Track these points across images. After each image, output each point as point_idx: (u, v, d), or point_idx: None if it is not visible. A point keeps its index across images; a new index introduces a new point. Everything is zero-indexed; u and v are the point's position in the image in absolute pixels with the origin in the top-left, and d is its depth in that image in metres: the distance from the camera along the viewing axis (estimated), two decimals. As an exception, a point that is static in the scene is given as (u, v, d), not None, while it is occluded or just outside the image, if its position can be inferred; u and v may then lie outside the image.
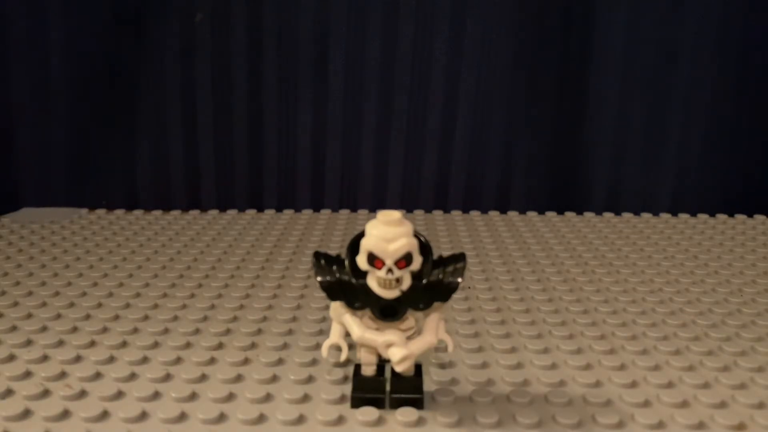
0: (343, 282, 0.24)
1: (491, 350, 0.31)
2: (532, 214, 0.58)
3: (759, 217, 0.58)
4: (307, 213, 0.57)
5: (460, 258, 0.25)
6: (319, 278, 0.24)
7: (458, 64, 0.59)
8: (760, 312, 0.37)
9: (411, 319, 0.25)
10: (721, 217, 0.58)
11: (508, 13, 0.59)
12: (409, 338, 0.25)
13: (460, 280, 0.24)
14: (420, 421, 0.25)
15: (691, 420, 0.25)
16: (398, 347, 0.24)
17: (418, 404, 0.25)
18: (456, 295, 0.38)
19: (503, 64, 0.59)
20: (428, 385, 0.27)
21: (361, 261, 0.23)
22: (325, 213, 0.58)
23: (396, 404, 0.25)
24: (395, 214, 0.23)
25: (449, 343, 0.26)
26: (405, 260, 0.23)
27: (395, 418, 0.25)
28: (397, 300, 0.24)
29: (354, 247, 0.24)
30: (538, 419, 0.25)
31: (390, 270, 0.23)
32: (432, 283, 0.24)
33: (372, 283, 0.24)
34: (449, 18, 0.58)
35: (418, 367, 0.26)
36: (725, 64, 0.60)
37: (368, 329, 0.25)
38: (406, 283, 0.23)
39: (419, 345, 0.25)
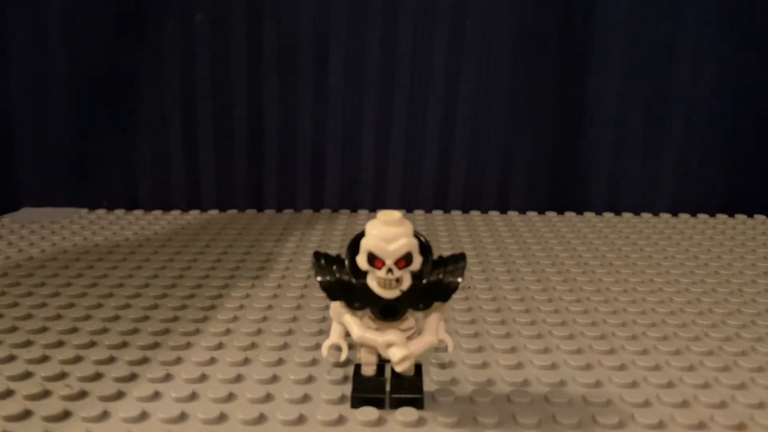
0: (343, 282, 0.24)
1: (491, 350, 0.31)
2: (532, 214, 0.58)
3: (759, 217, 0.58)
4: (307, 213, 0.57)
5: (460, 258, 0.25)
6: (319, 278, 0.24)
7: (458, 64, 0.59)
8: (760, 312, 0.37)
9: (411, 319, 0.25)
10: (721, 217, 0.58)
11: (508, 13, 0.59)
12: (409, 338, 0.25)
13: (459, 280, 0.24)
14: (420, 422, 0.25)
15: (691, 420, 0.25)
16: (398, 347, 0.24)
17: (418, 404, 0.25)
18: (456, 295, 0.38)
19: (503, 64, 0.59)
20: (428, 385, 0.27)
21: (361, 261, 0.23)
22: (325, 213, 0.58)
23: (396, 404, 0.25)
24: (395, 214, 0.23)
25: (449, 343, 0.26)
26: (405, 260, 0.23)
27: (395, 418, 0.25)
28: (397, 300, 0.24)
29: (354, 247, 0.24)
30: (538, 419, 0.25)
31: (390, 270, 0.23)
32: (432, 283, 0.24)
33: (372, 283, 0.24)
34: (449, 18, 0.58)
35: (418, 367, 0.26)
36: (725, 63, 0.60)
37: (368, 329, 0.25)
38: (406, 283, 0.23)
39: (419, 345, 0.25)
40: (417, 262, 0.23)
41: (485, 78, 0.59)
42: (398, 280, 0.23)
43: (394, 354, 0.24)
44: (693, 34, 0.59)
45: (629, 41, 0.59)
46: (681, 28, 0.59)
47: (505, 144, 0.61)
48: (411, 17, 0.58)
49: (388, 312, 0.24)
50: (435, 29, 0.58)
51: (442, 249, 0.47)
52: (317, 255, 0.25)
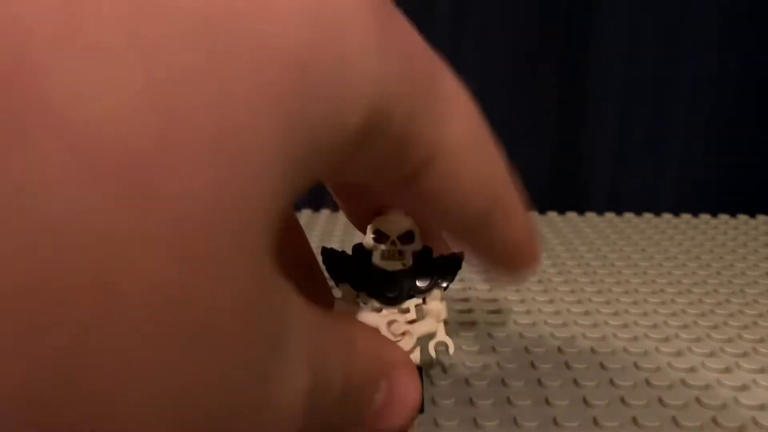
0: (349, 261, 0.25)
1: (492, 353, 0.31)
2: (533, 214, 0.58)
3: (761, 217, 0.58)
4: (306, 213, 0.57)
5: (458, 258, 0.25)
6: (323, 256, 0.25)
7: (458, 64, 0.59)
8: (762, 313, 0.37)
9: (413, 312, 0.25)
10: (723, 217, 0.58)
11: (508, 14, 0.58)
12: None
13: (445, 285, 0.25)
14: (420, 425, 0.25)
15: (693, 422, 0.25)
16: (399, 324, 0.24)
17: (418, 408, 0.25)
18: (456, 296, 0.38)
19: (503, 63, 0.59)
20: (428, 389, 0.27)
21: (368, 240, 0.24)
22: (325, 213, 0.57)
23: None
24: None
25: (450, 345, 0.26)
26: (407, 238, 0.24)
27: (395, 421, 0.25)
28: (399, 277, 0.24)
29: (357, 246, 0.25)
30: (539, 422, 0.25)
31: (394, 242, 0.24)
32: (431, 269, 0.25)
33: (376, 259, 0.24)
34: (449, 18, 0.58)
35: (418, 371, 0.26)
36: (728, 63, 0.60)
37: (372, 313, 0.25)
38: (409, 260, 0.24)
39: (420, 327, 0.25)
40: (418, 243, 0.24)
41: (485, 77, 0.59)
42: (401, 253, 0.24)
43: (396, 329, 0.24)
44: (695, 32, 0.59)
45: (630, 40, 0.59)
46: (683, 27, 0.59)
47: (506, 144, 0.61)
48: (410, 17, 0.58)
49: (391, 289, 0.24)
50: (434, 29, 0.58)
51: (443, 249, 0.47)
52: (325, 249, 0.25)
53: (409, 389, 0.21)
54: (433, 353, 0.25)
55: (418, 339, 0.25)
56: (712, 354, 0.31)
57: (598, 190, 0.62)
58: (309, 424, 0.16)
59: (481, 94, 0.67)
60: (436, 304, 0.25)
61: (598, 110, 0.61)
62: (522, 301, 0.37)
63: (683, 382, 0.28)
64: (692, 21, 0.59)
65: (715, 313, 0.36)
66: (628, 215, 0.58)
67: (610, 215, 0.58)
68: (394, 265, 0.24)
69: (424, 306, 0.25)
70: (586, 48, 0.59)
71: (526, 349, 0.31)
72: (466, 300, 0.37)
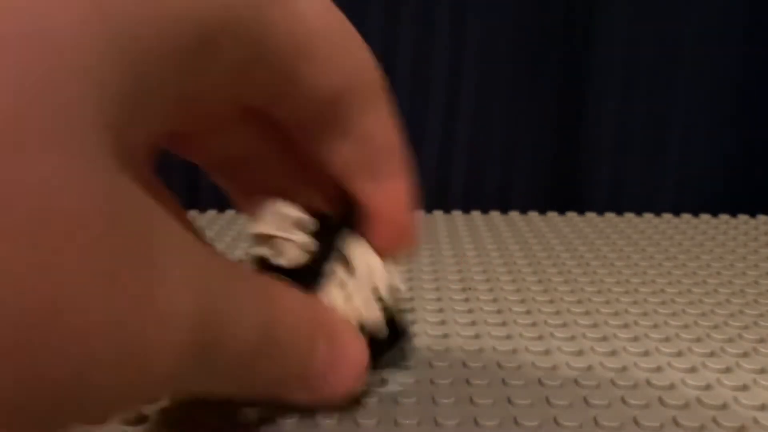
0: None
1: (492, 352, 0.31)
2: (533, 214, 0.58)
3: (762, 217, 0.58)
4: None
5: (347, 201, 0.24)
6: None
7: (458, 64, 0.59)
8: (762, 313, 0.37)
9: (346, 275, 0.24)
10: (723, 217, 0.58)
11: (509, 13, 0.58)
12: None
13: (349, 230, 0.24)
14: (420, 423, 0.25)
15: (693, 422, 0.25)
16: (350, 293, 0.23)
17: (406, 354, 0.25)
18: (456, 296, 0.38)
19: (504, 63, 0.59)
20: (427, 388, 0.27)
21: (260, 250, 0.24)
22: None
23: (384, 364, 0.24)
24: None
25: (393, 268, 0.25)
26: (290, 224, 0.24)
27: (393, 419, 0.25)
28: (307, 261, 0.24)
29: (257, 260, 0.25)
30: (540, 422, 0.25)
31: (275, 236, 0.24)
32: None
33: (277, 260, 0.24)
34: (449, 17, 0.58)
35: (390, 323, 0.25)
36: (728, 63, 0.60)
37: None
38: (303, 239, 0.24)
39: (361, 280, 0.23)
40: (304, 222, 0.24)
41: (485, 77, 0.59)
42: (291, 240, 0.23)
43: (335, 297, 0.23)
44: (695, 32, 0.59)
45: (630, 40, 0.59)
46: (683, 27, 0.59)
47: (506, 144, 0.61)
48: (411, 17, 0.58)
49: (305, 276, 0.23)
50: (435, 29, 0.58)
51: (443, 249, 0.47)
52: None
53: (352, 351, 0.20)
54: (400, 285, 0.24)
55: (371, 290, 0.23)
56: (712, 354, 0.31)
57: (598, 190, 0.62)
58: (222, 372, 0.16)
59: (482, 95, 0.68)
60: (358, 252, 0.24)
61: (598, 110, 0.61)
62: (522, 301, 0.37)
63: (683, 382, 0.28)
64: (692, 21, 0.59)
65: (716, 313, 0.36)
66: (628, 215, 0.58)
67: (610, 215, 0.58)
68: (291, 254, 0.23)
69: (352, 262, 0.24)
70: (586, 49, 0.59)
71: (527, 349, 0.31)
72: (465, 300, 0.37)
